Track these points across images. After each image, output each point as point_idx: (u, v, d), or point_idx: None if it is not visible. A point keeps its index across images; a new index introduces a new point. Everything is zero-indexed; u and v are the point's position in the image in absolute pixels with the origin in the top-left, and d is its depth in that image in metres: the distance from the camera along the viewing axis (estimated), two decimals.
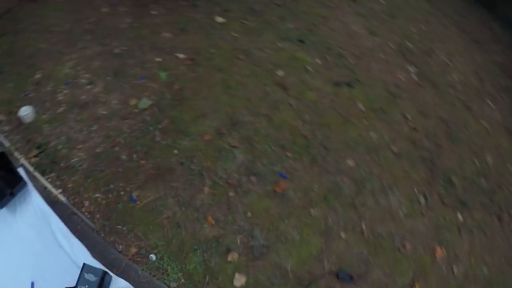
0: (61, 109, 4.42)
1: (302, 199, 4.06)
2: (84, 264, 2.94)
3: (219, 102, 4.71)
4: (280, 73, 5.34)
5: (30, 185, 3.52)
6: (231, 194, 3.92)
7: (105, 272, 2.97)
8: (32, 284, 3.01)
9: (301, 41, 6.07)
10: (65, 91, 4.58)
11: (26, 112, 4.34)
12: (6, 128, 4.28)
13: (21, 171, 3.58)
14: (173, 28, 5.69)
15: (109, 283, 3.03)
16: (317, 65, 5.80)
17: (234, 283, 3.41)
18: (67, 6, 5.78)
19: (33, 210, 3.37)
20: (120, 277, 3.16)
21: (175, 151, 4.14)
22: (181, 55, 5.20)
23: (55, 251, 3.18)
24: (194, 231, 3.63)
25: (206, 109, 4.60)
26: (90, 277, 2.85)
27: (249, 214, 3.82)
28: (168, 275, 3.37)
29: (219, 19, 6.04)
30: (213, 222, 3.69)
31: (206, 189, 3.89)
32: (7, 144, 4.13)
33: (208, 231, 3.65)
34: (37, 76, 4.74)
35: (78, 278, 2.86)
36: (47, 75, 4.75)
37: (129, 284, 3.13)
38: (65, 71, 4.81)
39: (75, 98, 4.52)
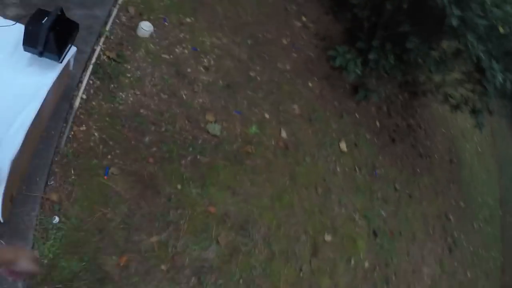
0: (165, 56, 4.27)
1: None
2: None
3: (255, 196, 4.14)
4: (327, 237, 4.70)
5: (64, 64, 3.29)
6: None
7: None
8: None
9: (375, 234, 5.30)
10: (185, 50, 4.46)
11: (146, 28, 4.29)
12: (123, 19, 4.28)
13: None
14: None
15: None
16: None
17: None
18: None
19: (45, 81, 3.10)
20: None
21: (179, 186, 3.65)
22: (283, 135, 4.81)
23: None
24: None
25: (248, 189, 4.02)
26: None
27: None
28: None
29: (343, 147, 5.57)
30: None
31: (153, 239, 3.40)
32: (106, 27, 4.05)
33: None
34: (189, 20, 4.74)
35: None
36: (197, 28, 4.74)
37: None
38: (207, 42, 4.72)
39: (184, 63, 4.36)
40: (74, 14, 3.89)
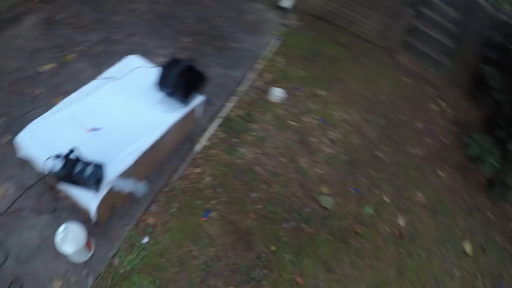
0: (292, 122, 4.49)
1: None
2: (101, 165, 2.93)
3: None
4: None
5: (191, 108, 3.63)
6: None
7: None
8: (96, 128, 3.21)
9: None
10: (313, 120, 4.61)
11: (278, 94, 4.57)
12: (257, 83, 4.66)
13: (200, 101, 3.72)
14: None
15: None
16: None
17: None
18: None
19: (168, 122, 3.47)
20: None
21: (273, 247, 3.60)
22: (400, 222, 4.49)
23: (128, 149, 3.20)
24: None
25: (345, 270, 3.73)
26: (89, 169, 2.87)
27: None
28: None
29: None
30: None
31: None
32: (240, 88, 4.46)
33: None
34: (322, 92, 4.92)
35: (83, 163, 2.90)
36: (329, 101, 4.91)
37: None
38: (337, 116, 4.80)
39: (309, 132, 4.50)
40: (213, 71, 4.37)
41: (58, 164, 2.83)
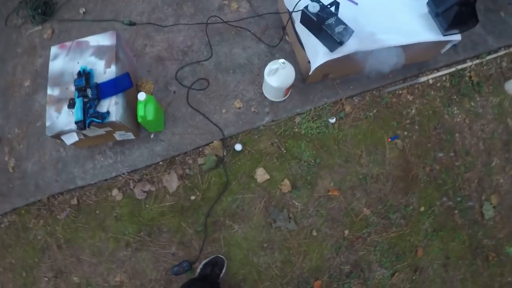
0: (510, 122, 4.02)
1: None
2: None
3: None
4: None
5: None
6: None
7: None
8: (353, 1, 3.14)
9: None
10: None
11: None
12: (502, 63, 4.15)
13: None
14: None
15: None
16: None
17: None
18: None
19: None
20: None
21: (423, 208, 3.48)
22: None
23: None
24: None
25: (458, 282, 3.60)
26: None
27: None
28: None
29: None
30: None
31: None
32: (487, 57, 4.04)
33: None
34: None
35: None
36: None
37: None
38: None
39: None
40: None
41: (315, 7, 2.84)
